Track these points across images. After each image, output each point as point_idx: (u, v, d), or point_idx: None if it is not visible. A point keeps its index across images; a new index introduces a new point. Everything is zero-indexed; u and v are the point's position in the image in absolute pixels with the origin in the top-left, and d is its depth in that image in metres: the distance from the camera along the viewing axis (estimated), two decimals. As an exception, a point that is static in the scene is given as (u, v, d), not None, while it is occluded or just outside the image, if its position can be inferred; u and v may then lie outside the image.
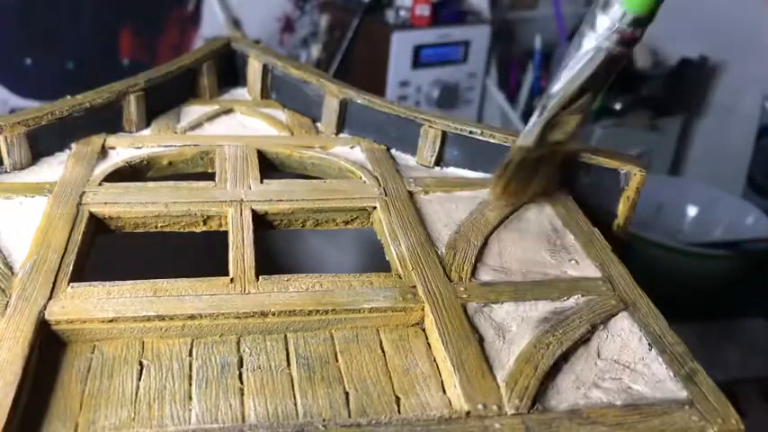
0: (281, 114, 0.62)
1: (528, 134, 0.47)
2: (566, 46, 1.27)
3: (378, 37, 1.18)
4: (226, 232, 0.45)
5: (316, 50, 1.21)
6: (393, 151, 0.57)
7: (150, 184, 0.48)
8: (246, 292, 0.39)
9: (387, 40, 1.15)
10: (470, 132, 0.54)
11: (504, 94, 1.26)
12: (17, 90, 1.02)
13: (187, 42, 1.11)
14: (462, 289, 0.40)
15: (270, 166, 0.54)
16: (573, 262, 0.44)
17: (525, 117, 1.26)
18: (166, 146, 0.54)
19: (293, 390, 0.34)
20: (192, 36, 1.11)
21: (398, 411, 0.33)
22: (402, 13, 1.15)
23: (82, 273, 0.40)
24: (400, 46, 1.16)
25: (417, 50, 1.17)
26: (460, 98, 1.23)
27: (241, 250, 0.42)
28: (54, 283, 0.38)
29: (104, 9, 1.03)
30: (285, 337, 0.37)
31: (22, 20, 0.99)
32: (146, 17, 1.07)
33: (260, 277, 0.40)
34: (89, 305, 0.37)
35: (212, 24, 1.07)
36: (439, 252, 0.44)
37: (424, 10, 1.15)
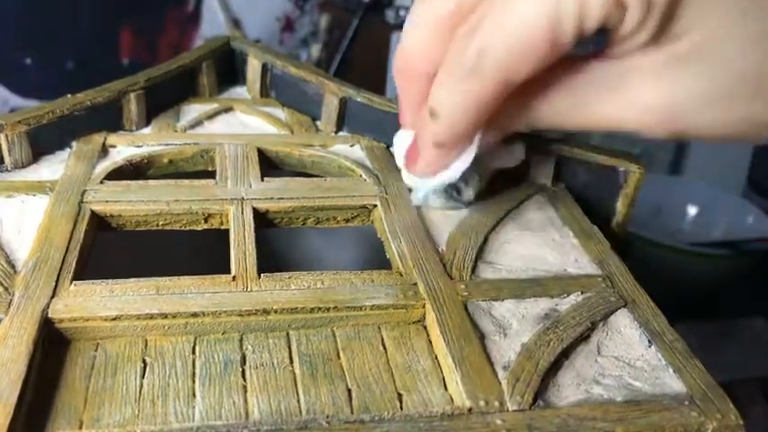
0: (281, 113, 0.62)
1: None
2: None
3: (378, 37, 1.18)
4: (227, 230, 0.45)
5: (316, 50, 1.21)
6: (392, 149, 0.57)
7: (151, 182, 0.48)
8: (249, 289, 0.39)
9: (387, 39, 1.15)
10: (470, 131, 0.54)
11: (504, 93, 1.26)
12: (17, 90, 1.02)
13: (187, 42, 1.11)
14: (463, 286, 0.41)
15: (270, 165, 0.54)
16: (572, 259, 0.45)
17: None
18: (167, 144, 0.54)
19: (296, 387, 0.34)
20: (192, 36, 1.11)
21: (401, 408, 0.33)
22: (402, 12, 1.16)
23: (84, 271, 0.40)
24: (400, 45, 1.16)
25: (417, 50, 1.17)
26: (460, 97, 1.23)
27: (243, 248, 0.42)
28: (57, 281, 0.38)
29: (104, 9, 1.03)
30: (287, 334, 0.38)
31: (21, 20, 0.99)
32: (146, 17, 1.07)
33: (261, 275, 0.40)
34: (92, 303, 0.37)
35: (212, 24, 1.07)
36: (439, 250, 0.44)
37: (423, 9, 1.15)
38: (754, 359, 0.85)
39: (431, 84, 0.35)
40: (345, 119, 0.59)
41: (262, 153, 0.54)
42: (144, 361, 0.35)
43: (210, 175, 0.50)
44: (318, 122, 0.60)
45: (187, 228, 0.46)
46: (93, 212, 0.44)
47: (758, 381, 0.80)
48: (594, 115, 0.35)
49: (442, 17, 0.33)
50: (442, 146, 0.38)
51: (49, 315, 0.36)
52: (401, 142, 0.45)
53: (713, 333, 0.87)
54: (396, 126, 0.56)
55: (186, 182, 0.48)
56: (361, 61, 1.21)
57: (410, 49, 0.35)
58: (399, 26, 1.16)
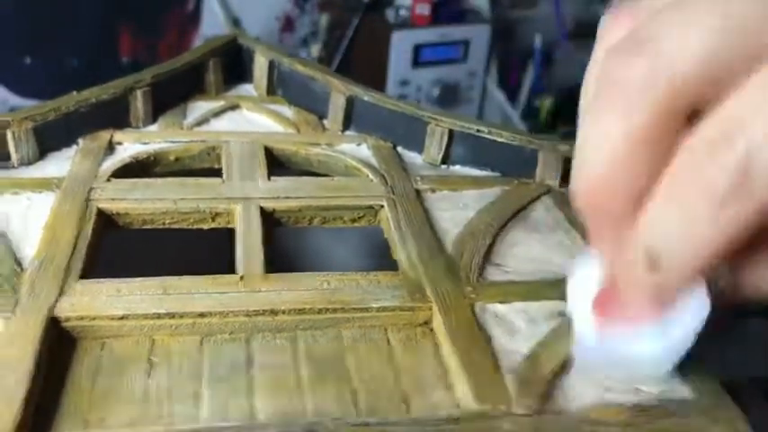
0: (287, 111, 0.62)
1: None
2: (566, 45, 1.27)
3: (378, 36, 1.18)
4: (233, 229, 0.44)
5: (316, 50, 1.21)
6: (399, 149, 0.57)
7: (158, 180, 0.48)
8: (255, 290, 0.39)
9: (387, 39, 1.15)
10: (477, 131, 0.54)
11: (505, 93, 1.26)
12: (16, 89, 1.02)
13: (187, 42, 1.10)
14: (470, 288, 0.40)
15: (276, 163, 0.54)
16: (580, 262, 0.44)
17: (525, 116, 1.27)
18: (173, 141, 0.54)
19: (303, 388, 0.34)
20: (192, 36, 1.11)
21: (407, 411, 0.33)
22: (402, 12, 1.16)
23: (91, 269, 0.40)
24: (400, 45, 1.16)
25: (417, 49, 1.17)
26: (461, 97, 1.23)
27: (250, 248, 0.42)
28: (63, 280, 0.38)
29: (104, 9, 1.03)
30: (294, 335, 0.37)
31: (21, 19, 0.98)
32: (145, 17, 1.07)
33: (268, 275, 0.40)
34: (99, 302, 0.37)
35: (212, 24, 1.07)
36: (447, 251, 0.44)
37: (423, 9, 1.15)
38: (754, 359, 0.85)
39: (633, 209, 0.25)
40: (352, 118, 0.59)
41: (268, 151, 0.53)
42: (150, 361, 0.35)
43: (216, 172, 0.50)
44: (325, 121, 0.60)
45: (194, 226, 0.46)
46: (99, 210, 0.44)
47: (759, 380, 0.80)
48: None
49: (647, 127, 0.23)
50: (662, 296, 0.28)
51: (56, 314, 0.35)
52: (583, 277, 0.33)
53: (713, 333, 0.87)
54: (402, 126, 0.56)
55: (192, 180, 0.48)
56: (361, 61, 1.21)
57: (599, 181, 0.24)
58: (399, 25, 1.15)
